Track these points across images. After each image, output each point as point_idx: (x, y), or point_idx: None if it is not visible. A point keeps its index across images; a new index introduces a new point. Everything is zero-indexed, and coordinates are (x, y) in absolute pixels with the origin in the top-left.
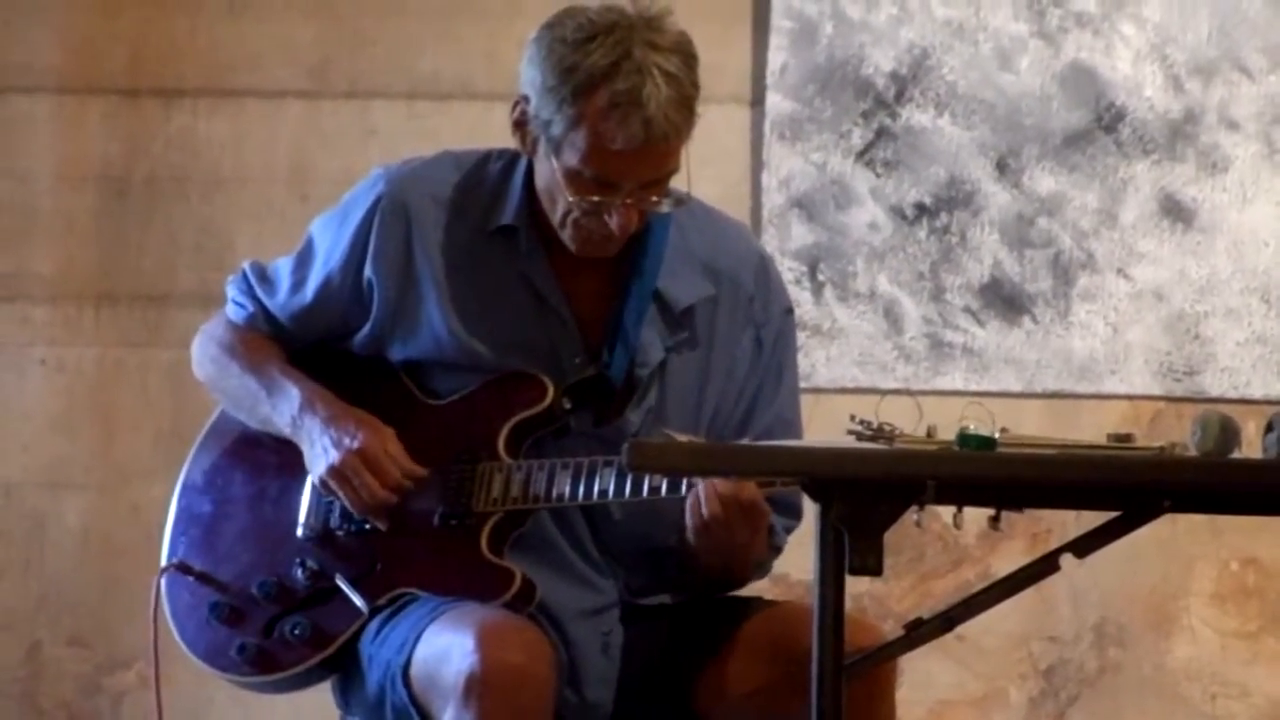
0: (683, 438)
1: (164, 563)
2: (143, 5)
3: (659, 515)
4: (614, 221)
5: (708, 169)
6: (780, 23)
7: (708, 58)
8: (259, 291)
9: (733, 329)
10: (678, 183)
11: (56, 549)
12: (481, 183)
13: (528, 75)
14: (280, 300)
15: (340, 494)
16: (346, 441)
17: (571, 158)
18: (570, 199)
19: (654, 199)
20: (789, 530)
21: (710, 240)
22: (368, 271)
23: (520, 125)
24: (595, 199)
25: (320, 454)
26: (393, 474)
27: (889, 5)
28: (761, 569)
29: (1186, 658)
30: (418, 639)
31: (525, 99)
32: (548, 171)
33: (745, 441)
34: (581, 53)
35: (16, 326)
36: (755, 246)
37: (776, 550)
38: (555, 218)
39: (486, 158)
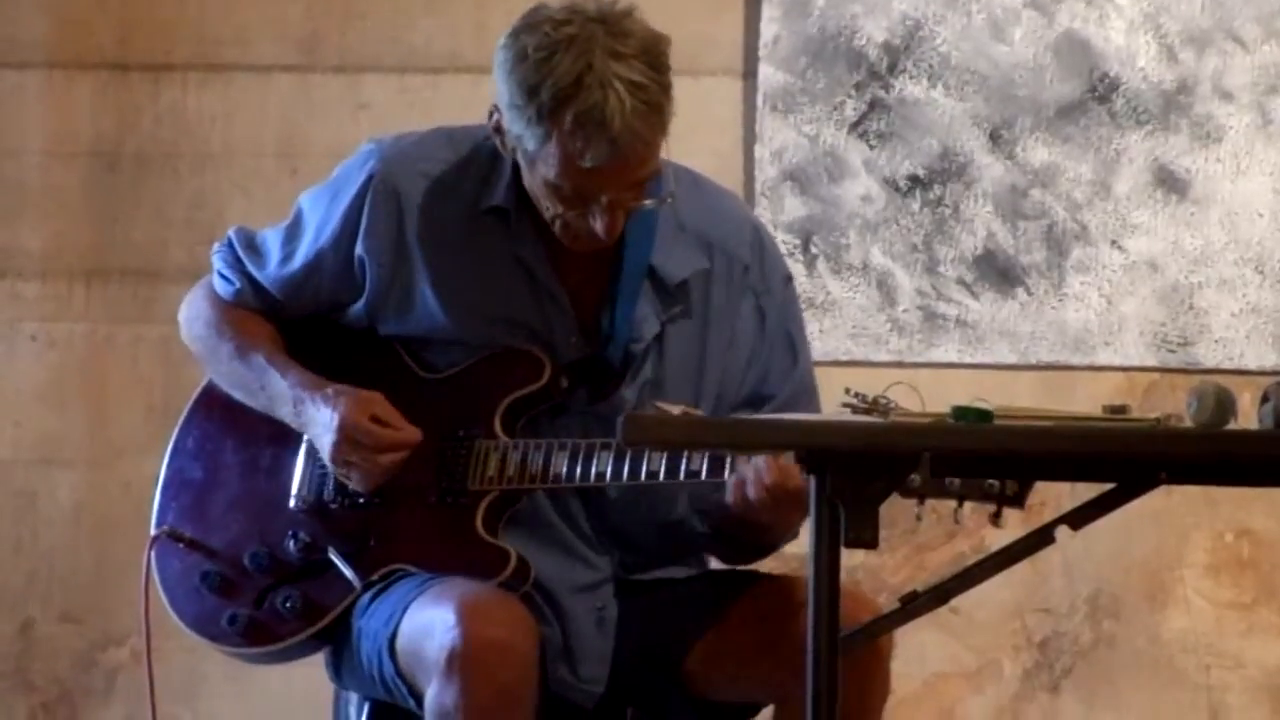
0: (675, 409)
1: (153, 529)
2: None
3: (655, 491)
4: (598, 225)
5: (700, 141)
6: None
7: (700, 30)
8: (246, 261)
9: (730, 299)
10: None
11: (48, 525)
12: (474, 162)
13: (498, 86)
14: (270, 272)
15: (350, 480)
16: (333, 424)
17: (547, 172)
18: (551, 209)
19: (634, 202)
20: None
21: (702, 212)
22: (359, 249)
23: (498, 131)
24: (575, 212)
25: (322, 445)
26: (385, 438)
27: None
28: (792, 533)
29: (1181, 629)
30: (403, 612)
31: (497, 109)
32: (528, 177)
33: (764, 415)
34: (544, 71)
35: (6, 302)
36: (748, 216)
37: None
38: (545, 216)
39: (478, 134)
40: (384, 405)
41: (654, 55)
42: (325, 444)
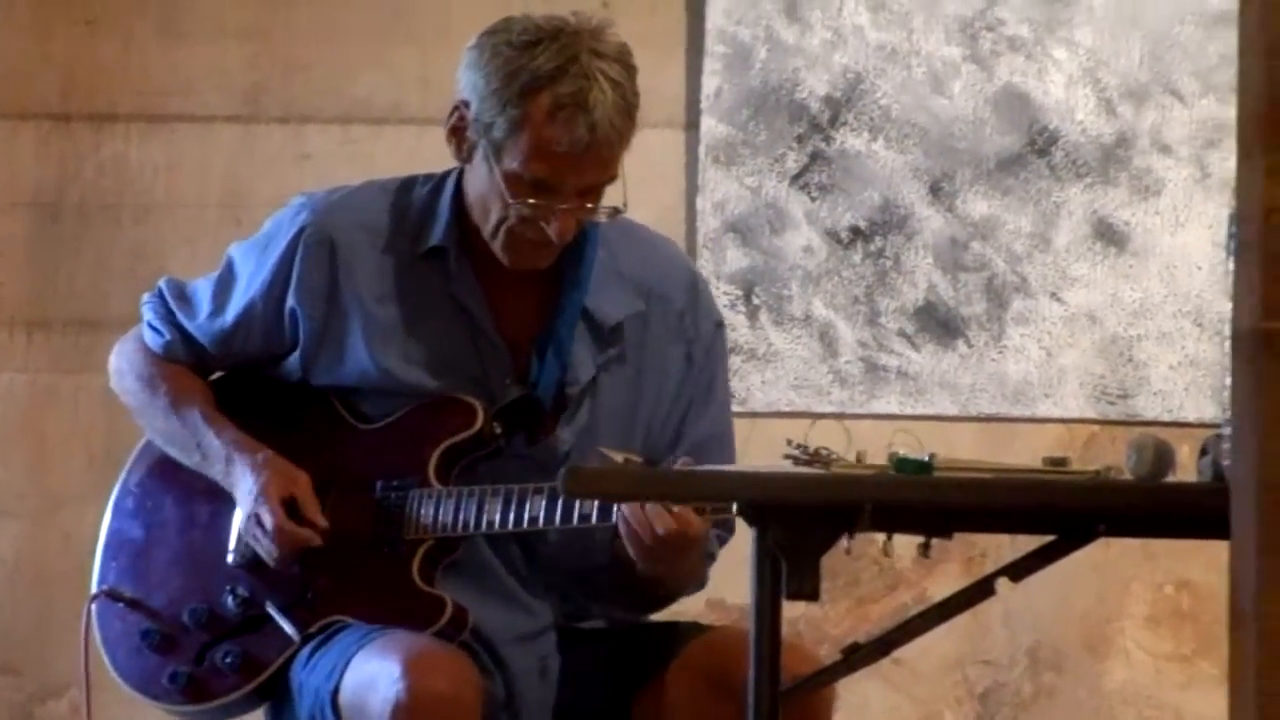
0: (618, 456)
1: (94, 588)
2: (74, 30)
3: (592, 538)
4: (551, 229)
5: (643, 193)
6: (714, 47)
7: (643, 82)
8: (177, 312)
9: (663, 345)
10: (614, 201)
11: None
12: (409, 207)
13: (467, 80)
14: (200, 323)
15: (256, 549)
16: (250, 495)
17: (513, 161)
18: (509, 203)
19: (590, 207)
20: (722, 541)
21: (639, 257)
22: (290, 302)
23: (457, 131)
24: (534, 203)
25: (239, 510)
26: (284, 535)
27: (822, 29)
28: (697, 582)
29: (1121, 681)
30: (346, 666)
31: (464, 104)
32: (485, 177)
33: (680, 459)
34: (527, 56)
35: None
36: (685, 262)
37: (710, 558)
38: (488, 227)
39: (412, 182)
40: (305, 489)
41: (628, 64)
42: (241, 511)
